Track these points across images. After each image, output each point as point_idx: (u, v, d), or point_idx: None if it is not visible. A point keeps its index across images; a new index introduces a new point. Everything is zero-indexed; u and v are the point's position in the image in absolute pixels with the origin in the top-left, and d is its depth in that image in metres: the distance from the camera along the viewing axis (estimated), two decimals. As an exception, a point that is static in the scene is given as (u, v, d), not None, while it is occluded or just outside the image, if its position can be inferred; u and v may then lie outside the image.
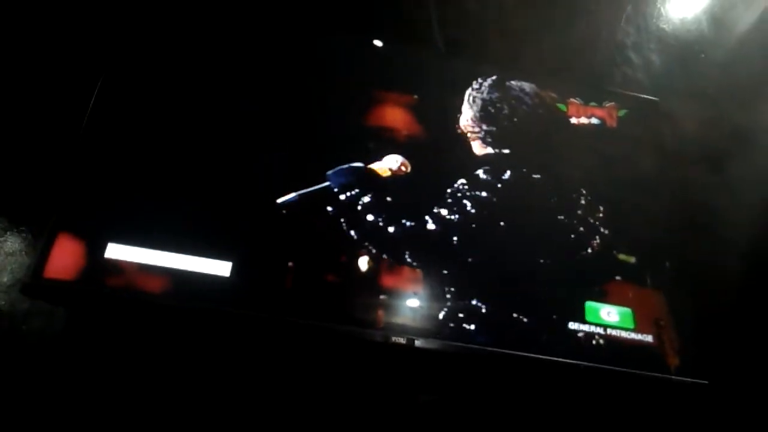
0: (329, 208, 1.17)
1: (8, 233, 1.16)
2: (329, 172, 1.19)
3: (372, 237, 1.15)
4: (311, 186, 1.17)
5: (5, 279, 1.12)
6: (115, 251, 1.06)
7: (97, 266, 1.04)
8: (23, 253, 1.15)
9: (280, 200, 1.15)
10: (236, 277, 1.08)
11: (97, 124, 1.17)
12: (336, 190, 1.18)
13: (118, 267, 1.05)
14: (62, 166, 1.14)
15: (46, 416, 1.04)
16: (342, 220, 1.16)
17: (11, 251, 1.14)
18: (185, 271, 1.07)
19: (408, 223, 1.18)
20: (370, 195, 1.19)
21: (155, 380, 1.10)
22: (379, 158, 1.24)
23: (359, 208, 1.17)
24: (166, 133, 1.19)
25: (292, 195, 1.15)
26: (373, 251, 1.14)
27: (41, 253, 1.03)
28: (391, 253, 1.15)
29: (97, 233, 1.07)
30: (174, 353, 1.13)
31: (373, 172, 1.22)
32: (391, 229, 1.16)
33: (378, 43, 1.38)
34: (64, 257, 1.04)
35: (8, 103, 1.26)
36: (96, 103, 1.18)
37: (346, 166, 1.21)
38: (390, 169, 1.23)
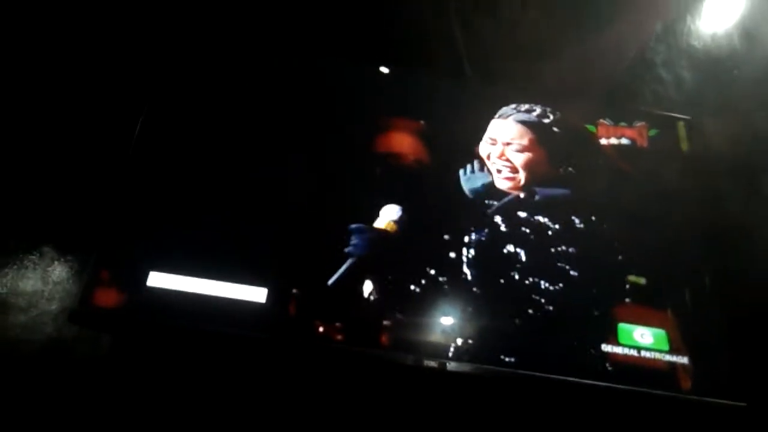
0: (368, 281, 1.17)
1: (56, 262, 1.21)
2: (346, 250, 1.18)
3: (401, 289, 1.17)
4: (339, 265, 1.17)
5: (53, 307, 1.17)
6: (157, 279, 1.10)
7: (140, 294, 1.09)
8: (70, 281, 1.20)
9: (330, 282, 1.14)
10: (271, 304, 1.11)
11: (140, 155, 1.22)
12: (360, 259, 1.17)
13: (160, 294, 1.09)
14: (106, 196, 1.19)
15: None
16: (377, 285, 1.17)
17: (58, 280, 1.20)
18: (223, 297, 1.10)
19: (435, 261, 1.19)
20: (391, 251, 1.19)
21: (195, 404, 1.13)
22: (375, 215, 1.23)
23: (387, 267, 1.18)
24: (201, 163, 1.23)
25: (334, 278, 1.15)
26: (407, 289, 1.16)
27: (88, 281, 1.08)
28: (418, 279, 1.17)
29: (140, 262, 1.11)
30: (212, 377, 1.16)
31: (381, 231, 1.21)
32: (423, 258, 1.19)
33: (384, 69, 1.40)
34: (109, 286, 1.08)
35: (51, 136, 1.32)
36: (139, 134, 1.23)
37: (356, 238, 1.19)
38: (393, 222, 1.22)
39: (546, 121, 1.37)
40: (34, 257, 1.20)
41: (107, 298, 1.08)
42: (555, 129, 1.37)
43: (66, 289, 1.19)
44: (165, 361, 1.16)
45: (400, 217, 1.22)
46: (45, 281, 1.19)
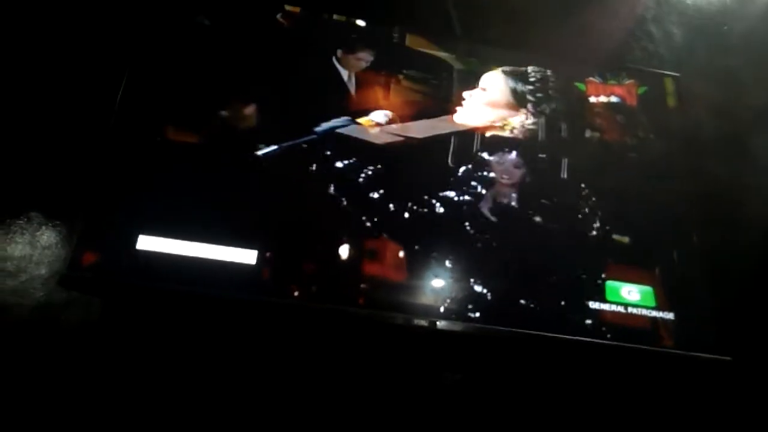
0: (314, 166, 1.17)
1: (44, 227, 1.20)
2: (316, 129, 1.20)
3: (381, 221, 1.16)
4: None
5: (43, 271, 1.17)
6: (147, 242, 1.10)
7: (130, 257, 1.08)
8: (59, 246, 1.20)
9: (260, 152, 1.14)
10: (261, 265, 1.11)
11: (125, 117, 1.20)
12: (319, 139, 1.18)
13: (150, 258, 1.09)
14: (93, 160, 1.18)
15: (84, 404, 1.09)
16: (336, 188, 1.17)
17: (47, 245, 1.19)
18: (214, 260, 1.10)
19: (416, 208, 1.19)
20: (364, 161, 1.19)
21: (188, 368, 1.14)
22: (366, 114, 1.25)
23: (357, 178, 1.18)
24: (185, 125, 1.22)
25: (273, 147, 1.15)
26: (384, 235, 1.15)
27: (77, 245, 1.07)
28: (404, 239, 1.16)
29: (128, 226, 1.10)
30: (204, 341, 1.17)
31: (358, 124, 1.22)
32: (403, 214, 1.18)
33: (361, 22, 1.39)
34: (99, 249, 1.08)
35: (38, 100, 1.31)
36: (122, 97, 1.21)
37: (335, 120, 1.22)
38: (377, 123, 1.22)
39: (533, 77, 1.37)
40: (21, 222, 1.20)
41: (96, 262, 1.07)
42: (542, 86, 1.36)
43: (55, 254, 1.19)
44: (156, 324, 1.17)
45: (383, 120, 1.23)
46: (33, 246, 1.19)
